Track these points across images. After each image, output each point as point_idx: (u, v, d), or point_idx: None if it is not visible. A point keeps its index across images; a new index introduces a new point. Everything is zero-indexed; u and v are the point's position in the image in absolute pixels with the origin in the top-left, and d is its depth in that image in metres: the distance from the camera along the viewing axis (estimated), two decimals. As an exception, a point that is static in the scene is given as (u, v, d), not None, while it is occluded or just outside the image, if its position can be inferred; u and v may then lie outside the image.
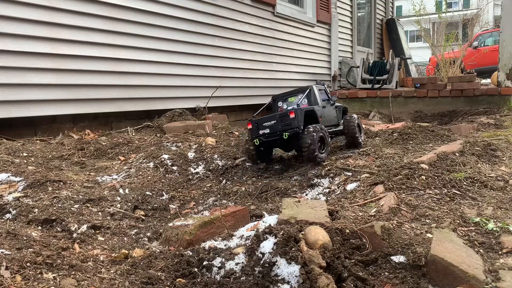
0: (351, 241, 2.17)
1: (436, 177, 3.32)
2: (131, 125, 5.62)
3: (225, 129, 5.65)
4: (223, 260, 1.98)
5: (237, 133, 5.44)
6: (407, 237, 2.20)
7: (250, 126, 3.81)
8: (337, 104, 4.58)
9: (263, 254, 1.96)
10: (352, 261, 2.03)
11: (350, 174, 3.47)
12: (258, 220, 2.58)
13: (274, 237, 2.02)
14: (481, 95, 8.88)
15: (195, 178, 3.83)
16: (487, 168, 3.82)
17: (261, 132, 3.77)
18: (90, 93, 4.96)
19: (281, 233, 2.02)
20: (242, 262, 2.00)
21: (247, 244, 2.10)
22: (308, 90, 4.11)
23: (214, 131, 5.62)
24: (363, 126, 5.01)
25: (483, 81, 11.58)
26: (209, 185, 3.72)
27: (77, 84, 4.80)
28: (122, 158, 4.36)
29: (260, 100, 7.76)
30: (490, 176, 3.51)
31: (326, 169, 3.63)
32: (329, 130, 4.01)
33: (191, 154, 4.15)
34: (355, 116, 4.41)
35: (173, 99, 6.00)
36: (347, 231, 2.22)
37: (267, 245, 1.98)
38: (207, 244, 2.30)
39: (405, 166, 3.51)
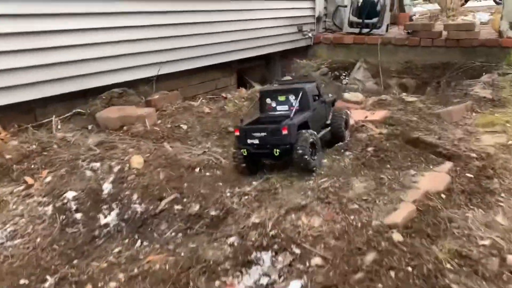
0: None
1: (412, 268, 2.37)
2: (61, 112, 4.51)
3: (173, 118, 4.57)
4: None
5: (185, 127, 4.36)
6: None
7: (237, 133, 3.44)
8: (327, 98, 4.17)
9: None
10: None
11: (298, 252, 2.53)
12: None
13: None
14: (480, 46, 7.67)
15: (103, 235, 2.87)
16: (479, 222, 2.86)
17: (249, 141, 3.40)
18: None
19: None
20: None
21: None
22: (301, 92, 3.68)
23: (160, 121, 4.55)
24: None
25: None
26: (117, 250, 2.77)
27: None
28: (29, 181, 3.36)
29: (229, 57, 6.56)
30: (481, 251, 2.56)
31: (271, 234, 2.67)
32: (319, 134, 3.74)
33: (106, 187, 3.16)
34: (343, 112, 4.14)
35: (113, 73, 4.83)
36: None
37: None
38: None
39: (372, 239, 2.55)
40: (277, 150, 3.34)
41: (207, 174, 3.55)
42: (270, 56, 8.10)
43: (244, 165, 3.54)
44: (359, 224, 2.73)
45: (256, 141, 3.43)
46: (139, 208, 3.02)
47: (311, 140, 3.41)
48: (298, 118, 3.51)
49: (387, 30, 8.68)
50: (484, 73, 6.97)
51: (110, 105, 4.68)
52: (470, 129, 4.59)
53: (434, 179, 3.29)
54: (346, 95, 5.63)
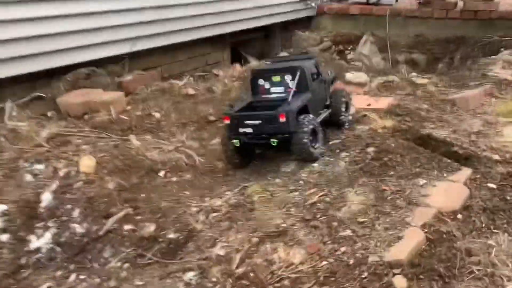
0: None
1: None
2: (21, 96, 3.85)
3: (146, 103, 3.90)
4: None
5: (158, 115, 3.71)
6: None
7: (228, 121, 3.01)
8: (326, 76, 3.59)
9: None
10: None
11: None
12: None
13: None
14: (499, 18, 6.84)
15: (31, 263, 2.27)
16: (505, 253, 2.22)
17: (241, 130, 2.95)
18: None
19: None
20: None
21: None
22: (299, 72, 3.15)
23: (130, 107, 3.88)
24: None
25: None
26: (46, 286, 2.15)
27: None
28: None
29: (221, 29, 5.82)
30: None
31: (238, 273, 2.07)
32: (319, 118, 3.28)
33: (45, 199, 2.55)
34: (343, 92, 3.67)
35: (79, 50, 4.12)
36: None
37: None
38: None
39: (366, 286, 1.91)
40: (275, 141, 2.88)
41: (174, 179, 2.92)
42: (269, 28, 7.30)
43: (236, 160, 3.12)
44: (351, 261, 2.09)
45: (250, 130, 2.94)
46: (79, 229, 2.40)
47: (312, 126, 2.96)
48: (296, 102, 3.01)
49: (396, 0, 7.85)
50: (503, 49, 6.18)
51: (76, 88, 4.01)
52: (489, 119, 3.89)
53: (448, 192, 2.63)
54: (349, 76, 4.91)
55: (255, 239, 2.23)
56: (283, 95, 3.16)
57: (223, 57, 6.33)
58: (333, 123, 3.52)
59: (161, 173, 2.92)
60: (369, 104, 3.95)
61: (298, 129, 2.89)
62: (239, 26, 6.32)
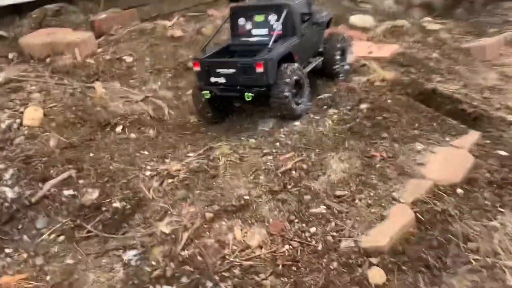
0: None
1: None
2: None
3: (119, 46, 3.46)
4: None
5: (130, 60, 3.27)
6: None
7: (197, 68, 2.53)
8: (320, 17, 3.03)
9: None
10: None
11: (212, 296, 1.52)
12: None
13: None
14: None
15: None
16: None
17: (213, 79, 2.52)
18: None
19: None
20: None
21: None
22: (285, 11, 2.66)
23: (100, 50, 3.44)
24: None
25: None
26: (-38, 261, 1.82)
27: None
28: None
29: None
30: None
31: (182, 257, 1.72)
32: (308, 67, 2.81)
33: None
34: (340, 36, 3.13)
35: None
36: None
37: None
38: None
39: (333, 280, 1.54)
40: (250, 94, 2.46)
41: (132, 136, 2.52)
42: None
43: (209, 113, 2.69)
44: (320, 247, 1.71)
45: (223, 80, 2.54)
46: (9, 193, 2.03)
47: (296, 78, 2.53)
48: (279, 49, 2.55)
49: None
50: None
51: (43, 27, 3.56)
52: (508, 72, 3.38)
53: (449, 160, 2.19)
54: (353, 19, 4.36)
55: (209, 214, 1.85)
56: (266, 38, 2.66)
57: (219, -5, 5.74)
58: (326, 73, 3.06)
59: (118, 128, 2.52)
60: (370, 52, 3.45)
61: (278, 81, 2.44)
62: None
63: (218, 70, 2.51)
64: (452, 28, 4.27)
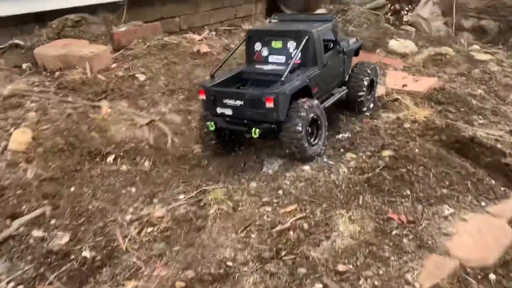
0: None
1: None
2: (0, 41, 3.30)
3: (135, 61, 3.22)
4: None
5: (142, 78, 3.03)
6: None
7: (203, 96, 2.30)
8: (346, 45, 2.71)
9: None
10: None
11: None
12: None
13: None
14: None
15: None
16: None
17: (219, 110, 2.27)
18: None
19: None
20: None
21: None
22: (306, 38, 2.35)
23: (114, 66, 3.21)
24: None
25: None
26: None
27: None
28: None
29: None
30: None
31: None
32: (328, 101, 2.52)
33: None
34: (369, 65, 2.77)
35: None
36: None
37: None
38: None
39: None
40: (257, 130, 2.18)
41: (123, 168, 2.25)
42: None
43: (212, 140, 2.42)
44: None
45: (229, 112, 2.27)
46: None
47: (312, 115, 2.22)
48: (294, 82, 2.24)
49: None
50: None
51: (61, 38, 3.38)
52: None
53: (483, 232, 1.79)
54: (393, 44, 3.95)
55: (180, 284, 1.54)
56: (282, 67, 2.36)
57: (256, 9, 5.47)
58: (350, 107, 2.70)
59: (110, 158, 2.26)
60: (405, 85, 3.04)
61: (292, 114, 2.16)
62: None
63: (225, 101, 2.24)
64: (503, 59, 3.79)
